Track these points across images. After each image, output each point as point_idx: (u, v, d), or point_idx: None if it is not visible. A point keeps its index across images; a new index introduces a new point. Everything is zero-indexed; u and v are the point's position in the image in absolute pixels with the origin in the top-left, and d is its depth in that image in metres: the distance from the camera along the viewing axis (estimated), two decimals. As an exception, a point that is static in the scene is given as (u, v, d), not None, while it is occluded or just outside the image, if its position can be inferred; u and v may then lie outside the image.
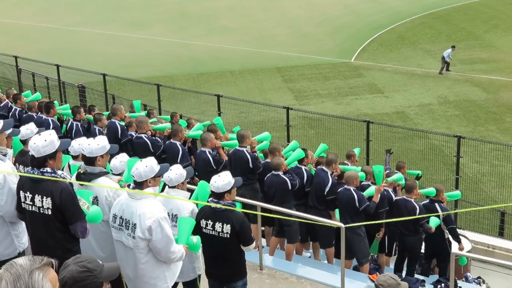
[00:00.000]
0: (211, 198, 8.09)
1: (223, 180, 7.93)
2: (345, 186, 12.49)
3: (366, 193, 12.64)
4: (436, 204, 13.21)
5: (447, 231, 13.32)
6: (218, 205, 7.89)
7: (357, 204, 12.26)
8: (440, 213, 13.10)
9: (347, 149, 15.80)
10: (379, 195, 12.63)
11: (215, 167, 12.78)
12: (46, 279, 3.50)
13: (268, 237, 13.82)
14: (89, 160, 7.65)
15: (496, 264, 14.03)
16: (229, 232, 7.92)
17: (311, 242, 14.14)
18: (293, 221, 12.21)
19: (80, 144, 8.67)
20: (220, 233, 7.95)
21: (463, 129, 27.96)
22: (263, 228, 12.94)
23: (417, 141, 23.33)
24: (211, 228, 7.97)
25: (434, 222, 12.85)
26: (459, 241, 13.36)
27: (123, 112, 15.34)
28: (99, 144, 7.66)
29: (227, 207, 7.88)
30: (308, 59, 42.39)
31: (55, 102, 18.08)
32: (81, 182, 7.45)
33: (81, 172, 7.65)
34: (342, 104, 33.45)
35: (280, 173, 12.26)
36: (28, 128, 9.39)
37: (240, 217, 7.98)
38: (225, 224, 7.92)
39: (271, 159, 12.77)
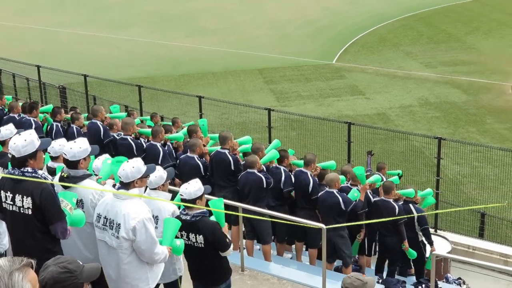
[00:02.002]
0: (181, 209, 8.09)
1: (194, 186, 7.93)
2: (327, 189, 12.48)
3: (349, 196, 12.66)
4: (411, 205, 13.30)
5: (420, 234, 13.40)
6: (188, 218, 7.88)
7: (342, 206, 12.22)
8: (415, 214, 13.20)
9: (328, 150, 15.82)
10: (363, 195, 12.71)
11: (203, 174, 12.73)
12: (26, 279, 3.49)
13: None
14: (72, 164, 7.57)
15: (476, 265, 14.11)
16: (203, 242, 7.93)
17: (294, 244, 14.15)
18: (263, 221, 12.19)
19: (61, 146, 8.60)
20: (195, 243, 7.96)
21: (444, 131, 28.09)
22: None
23: (398, 143, 23.41)
24: (187, 239, 7.99)
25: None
26: (431, 243, 13.42)
27: (103, 113, 15.30)
28: (81, 147, 7.58)
29: (198, 217, 7.88)
30: (289, 60, 42.45)
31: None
32: (65, 184, 7.39)
33: (65, 175, 7.59)
34: (323, 105, 33.52)
35: (255, 171, 12.24)
36: (8, 129, 9.30)
37: (210, 225, 7.95)
38: (197, 235, 7.93)
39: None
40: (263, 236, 12.70)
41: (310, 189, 12.61)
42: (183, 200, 7.99)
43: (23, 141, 6.65)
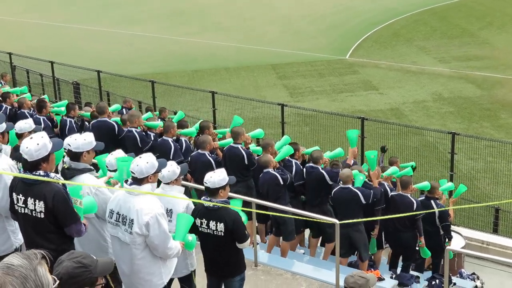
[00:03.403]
0: (204, 196, 8.11)
1: (219, 176, 7.96)
2: (341, 185, 12.42)
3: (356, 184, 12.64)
4: (432, 201, 13.22)
5: (441, 228, 13.35)
6: (211, 203, 7.90)
7: (362, 200, 12.21)
8: (436, 209, 13.12)
9: (341, 146, 15.76)
10: (377, 181, 12.70)
11: (215, 169, 12.72)
12: (47, 272, 3.49)
13: (262, 234, 13.83)
14: (75, 156, 7.61)
15: (490, 260, 14.07)
16: (223, 231, 7.94)
17: (306, 238, 14.16)
18: (288, 218, 12.21)
19: (76, 140, 8.61)
20: (215, 231, 7.97)
21: (458, 126, 27.98)
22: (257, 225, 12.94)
23: (412, 138, 23.33)
24: (206, 227, 8.00)
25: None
26: (450, 239, 13.40)
27: (108, 111, 15.19)
28: (85, 139, 7.63)
29: (221, 205, 7.88)
30: (302, 56, 42.36)
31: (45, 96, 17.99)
32: (69, 182, 7.39)
33: (65, 167, 7.63)
34: (336, 100, 33.46)
35: (270, 169, 12.26)
36: (26, 122, 9.42)
37: (233, 215, 7.98)
38: (218, 223, 7.94)
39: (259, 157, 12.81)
40: (287, 234, 12.73)
41: (327, 180, 12.63)
42: (206, 189, 8.02)
43: (35, 145, 6.59)
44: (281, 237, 12.98)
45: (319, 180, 12.69)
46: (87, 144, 7.62)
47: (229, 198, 8.34)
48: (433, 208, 13.08)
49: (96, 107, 15.57)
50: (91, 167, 7.78)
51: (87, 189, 7.54)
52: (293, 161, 13.05)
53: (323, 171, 12.71)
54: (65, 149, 7.65)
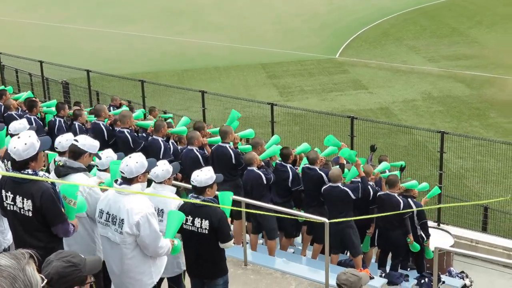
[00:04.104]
0: (191, 194, 8.10)
1: (206, 174, 7.93)
2: (331, 184, 12.47)
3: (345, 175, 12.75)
4: (409, 199, 13.30)
5: (419, 227, 13.43)
6: (198, 201, 7.89)
7: (352, 195, 12.29)
8: (415, 208, 13.20)
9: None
10: (361, 170, 12.85)
11: (204, 165, 12.75)
12: (35, 271, 3.50)
13: (250, 233, 13.85)
14: (77, 154, 7.66)
15: (479, 258, 14.13)
16: (207, 228, 7.90)
17: (296, 238, 14.19)
18: (270, 217, 12.23)
19: (68, 140, 8.59)
20: (199, 228, 7.93)
21: (447, 125, 28.07)
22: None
23: (401, 137, 23.40)
24: (191, 224, 7.96)
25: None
26: (428, 236, 13.48)
27: (107, 112, 15.30)
28: (94, 141, 7.80)
29: (207, 203, 7.87)
30: (292, 55, 42.38)
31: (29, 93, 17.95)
32: (59, 181, 7.40)
33: (60, 164, 7.64)
34: (326, 100, 33.51)
35: (254, 168, 12.28)
36: (21, 123, 9.46)
37: (219, 213, 7.94)
38: (203, 220, 7.90)
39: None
40: (269, 232, 12.75)
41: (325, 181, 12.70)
42: (193, 187, 7.99)
43: (23, 145, 6.57)
44: (265, 236, 13.00)
45: (317, 180, 12.72)
46: (94, 147, 7.70)
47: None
48: (412, 207, 13.17)
49: (94, 109, 15.55)
50: (85, 168, 7.80)
51: (80, 189, 7.56)
52: (288, 165, 13.00)
53: (321, 172, 12.74)
54: (57, 149, 7.65)
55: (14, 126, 9.46)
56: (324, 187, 12.54)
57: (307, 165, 12.99)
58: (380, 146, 19.33)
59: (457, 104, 32.03)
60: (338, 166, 13.33)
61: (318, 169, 12.80)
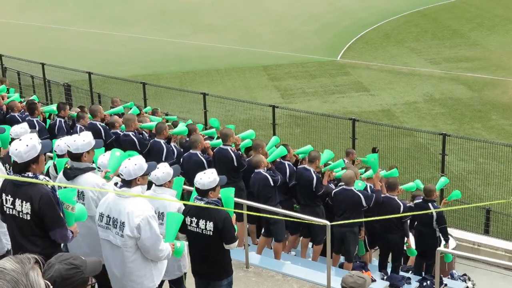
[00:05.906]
0: (195, 196, 8.09)
1: (209, 177, 7.92)
2: (344, 186, 12.49)
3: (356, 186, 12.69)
4: (430, 204, 13.23)
5: (438, 230, 13.38)
6: (202, 203, 7.88)
7: (364, 203, 12.26)
8: (433, 210, 13.13)
9: (332, 147, 15.83)
10: (379, 184, 12.83)
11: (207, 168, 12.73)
12: (39, 277, 3.49)
13: (252, 235, 13.84)
14: (75, 156, 7.64)
15: (481, 261, 14.12)
16: (212, 230, 7.90)
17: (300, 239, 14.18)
18: (279, 219, 12.22)
19: (66, 144, 8.64)
20: (204, 230, 7.94)
21: (449, 127, 28.05)
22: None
23: (403, 139, 23.40)
24: (195, 226, 7.97)
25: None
26: (446, 240, 13.45)
27: (102, 113, 15.29)
28: (84, 140, 7.68)
29: (210, 206, 7.86)
30: (294, 57, 42.39)
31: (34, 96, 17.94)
32: (63, 184, 7.39)
33: (68, 167, 7.65)
34: (328, 102, 33.50)
35: (261, 170, 12.27)
36: (22, 127, 9.46)
37: (223, 214, 7.94)
38: (208, 222, 7.90)
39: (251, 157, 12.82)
40: (277, 234, 12.74)
41: (314, 185, 12.60)
42: (196, 189, 7.99)
43: (25, 147, 6.57)
44: (273, 239, 12.99)
45: (309, 183, 12.69)
46: (86, 144, 7.69)
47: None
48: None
49: (89, 109, 15.56)
50: (93, 166, 7.82)
51: (90, 193, 7.57)
52: (286, 162, 13.05)
53: (313, 175, 12.70)
54: (56, 152, 7.65)
55: (15, 130, 9.45)
56: (336, 189, 12.54)
57: (303, 166, 12.98)
58: (381, 148, 19.36)
59: (459, 106, 32.02)
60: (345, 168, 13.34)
61: (312, 171, 12.72)
